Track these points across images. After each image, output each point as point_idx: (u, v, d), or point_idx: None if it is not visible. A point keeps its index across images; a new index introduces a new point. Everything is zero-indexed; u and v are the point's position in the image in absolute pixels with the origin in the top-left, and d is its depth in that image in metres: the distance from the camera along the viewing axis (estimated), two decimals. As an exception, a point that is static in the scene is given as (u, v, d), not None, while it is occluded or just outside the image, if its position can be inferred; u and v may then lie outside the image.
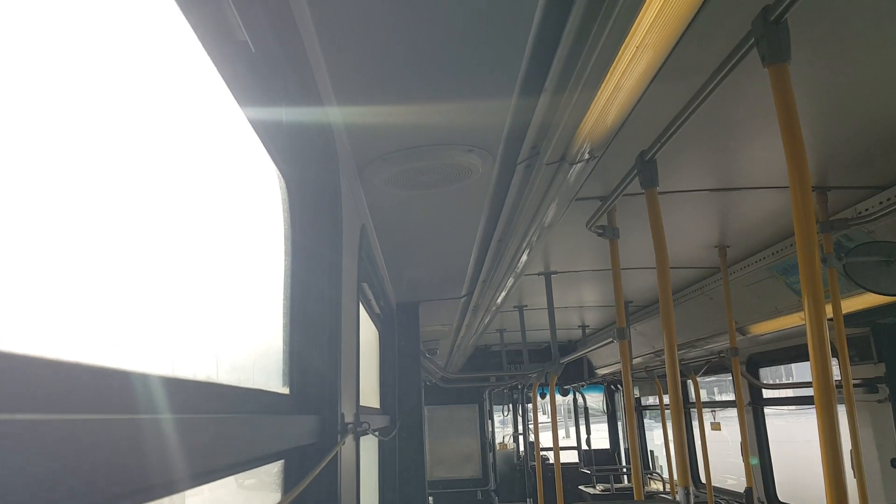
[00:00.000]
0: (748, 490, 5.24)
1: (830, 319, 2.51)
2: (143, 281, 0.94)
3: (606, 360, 10.07)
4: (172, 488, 0.83)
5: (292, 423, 1.40)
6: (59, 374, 0.59)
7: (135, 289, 0.91)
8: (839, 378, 3.30)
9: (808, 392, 6.35)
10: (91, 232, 0.79)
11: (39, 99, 0.69)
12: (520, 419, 12.66)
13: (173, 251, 1.06)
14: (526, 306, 6.82)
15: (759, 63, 1.85)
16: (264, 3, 1.14)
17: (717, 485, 7.05)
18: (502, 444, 12.77)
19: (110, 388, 0.66)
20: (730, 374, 6.71)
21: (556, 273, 5.41)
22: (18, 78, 0.65)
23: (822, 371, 1.80)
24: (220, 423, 0.92)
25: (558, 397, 11.12)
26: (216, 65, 1.11)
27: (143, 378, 0.76)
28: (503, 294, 4.64)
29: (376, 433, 2.72)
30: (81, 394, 0.61)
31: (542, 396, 11.06)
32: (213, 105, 1.21)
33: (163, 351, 1.01)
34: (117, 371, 0.70)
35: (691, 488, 2.96)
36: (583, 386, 11.83)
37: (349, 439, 1.80)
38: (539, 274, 5.39)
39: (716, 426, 7.92)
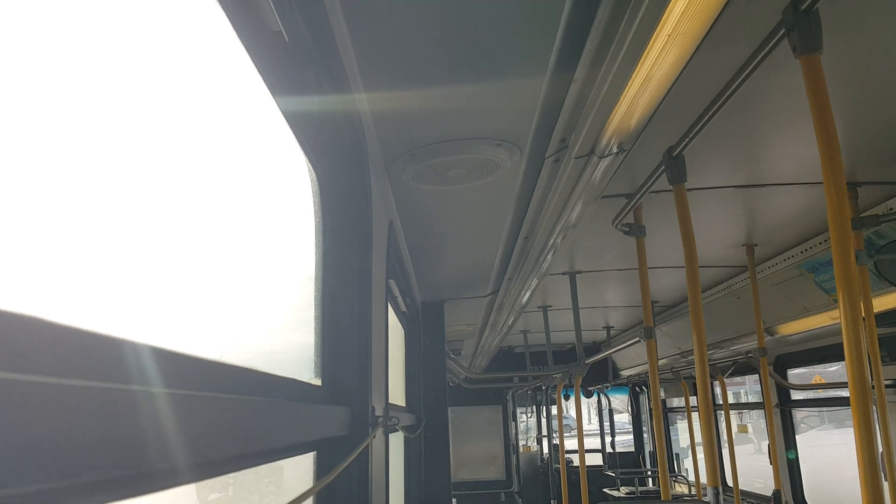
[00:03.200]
0: (776, 492, 5.17)
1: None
2: (177, 270, 0.95)
3: (631, 361, 10.00)
4: (214, 470, 0.84)
5: (325, 414, 1.41)
6: (124, 351, 0.60)
7: (172, 278, 0.92)
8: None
9: (838, 393, 6.26)
10: (142, 229, 0.81)
11: (82, 88, 0.70)
12: (543, 421, 12.61)
13: (211, 245, 1.07)
14: (550, 306, 6.79)
15: (789, 54, 1.82)
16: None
17: (744, 487, 6.96)
18: (526, 446, 12.72)
19: (160, 364, 0.67)
20: (756, 374, 6.64)
21: (580, 272, 5.38)
22: (62, 68, 0.66)
23: (858, 372, 1.76)
24: (255, 405, 0.93)
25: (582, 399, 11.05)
26: (251, 56, 1.12)
27: (189, 359, 0.77)
28: (528, 294, 4.62)
29: (403, 430, 2.72)
30: (136, 367, 0.62)
31: (566, 398, 11.01)
32: (248, 98, 1.22)
33: (200, 335, 1.02)
34: (165, 350, 0.71)
35: (720, 489, 2.93)
36: (607, 387, 11.75)
37: (379, 433, 1.80)
38: (563, 273, 5.36)
39: (742, 428, 7.83)
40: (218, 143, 1.13)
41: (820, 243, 4.33)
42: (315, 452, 1.47)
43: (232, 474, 1.06)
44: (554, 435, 11.69)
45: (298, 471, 1.51)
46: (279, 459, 1.18)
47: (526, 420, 13.48)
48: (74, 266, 0.67)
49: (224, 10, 1.02)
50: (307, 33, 1.24)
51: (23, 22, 0.58)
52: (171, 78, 0.93)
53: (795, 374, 6.75)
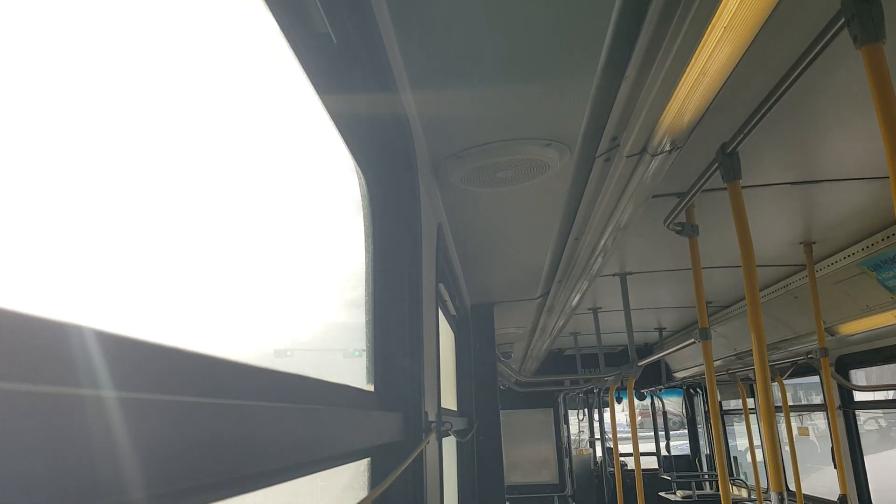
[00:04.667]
0: (842, 497, 5.00)
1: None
2: (235, 281, 0.95)
3: (685, 362, 9.81)
4: (270, 479, 0.83)
5: (379, 420, 1.40)
6: (176, 360, 0.60)
7: (230, 289, 0.92)
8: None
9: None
10: (202, 235, 0.81)
11: (136, 90, 0.70)
12: (596, 424, 12.46)
13: (267, 255, 1.07)
14: (600, 308, 6.70)
15: (848, 45, 1.76)
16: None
17: (807, 492, 6.76)
18: (579, 449, 12.60)
19: (217, 375, 0.67)
20: (817, 376, 6.44)
21: (631, 274, 5.30)
22: (118, 72, 0.66)
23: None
24: (311, 413, 0.92)
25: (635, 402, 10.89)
26: (299, 59, 1.11)
27: (245, 368, 0.77)
28: (578, 296, 4.57)
29: (456, 434, 2.71)
30: (199, 379, 0.62)
31: (619, 401, 10.86)
32: (297, 101, 1.22)
33: (251, 343, 1.02)
34: (222, 360, 0.70)
35: (784, 494, 2.85)
36: (661, 390, 11.56)
37: (432, 438, 1.79)
38: (614, 275, 5.29)
39: (803, 431, 7.61)
40: (268, 148, 1.13)
41: (882, 240, 4.17)
42: (369, 459, 1.46)
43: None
44: (607, 438, 11.55)
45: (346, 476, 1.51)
46: (334, 466, 1.18)
47: (578, 423, 13.34)
48: (141, 280, 0.67)
49: (272, 13, 1.03)
50: (355, 35, 1.23)
51: (76, 24, 0.59)
52: (220, 81, 0.93)
53: (859, 374, 6.53)
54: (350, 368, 1.54)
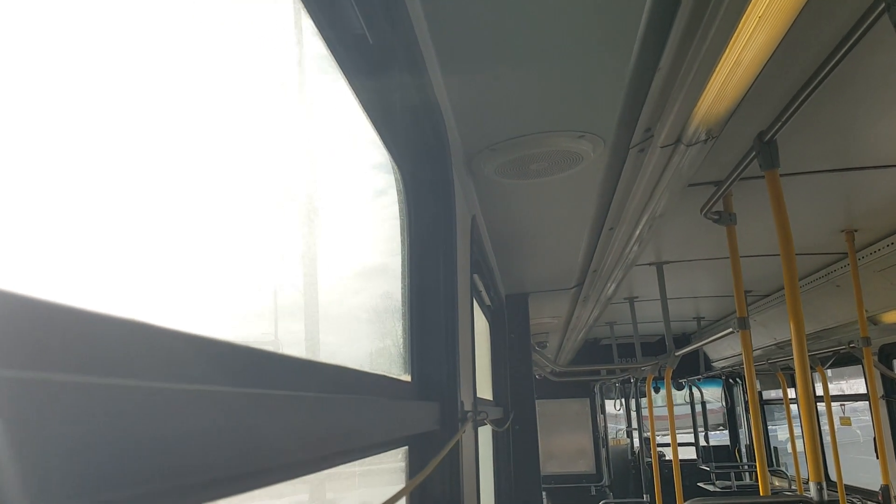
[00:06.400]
0: (884, 487, 4.92)
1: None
2: (275, 274, 0.98)
3: (723, 352, 9.70)
4: (310, 467, 0.86)
5: (416, 410, 1.43)
6: (214, 350, 0.62)
7: (271, 281, 0.95)
8: None
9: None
10: (241, 233, 0.84)
11: (175, 91, 0.73)
12: (633, 414, 12.39)
13: (308, 249, 1.10)
14: (637, 297, 6.65)
15: (889, 30, 1.73)
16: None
17: (848, 482, 6.65)
18: (616, 439, 12.53)
19: (254, 365, 0.70)
20: (859, 365, 6.32)
21: (668, 263, 5.25)
22: (163, 77, 0.69)
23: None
24: (351, 403, 0.95)
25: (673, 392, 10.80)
26: (338, 61, 1.14)
27: (284, 359, 0.80)
28: (613, 286, 4.55)
29: (492, 423, 2.73)
30: (227, 368, 0.64)
31: (657, 391, 10.78)
32: (335, 101, 1.25)
33: (294, 336, 1.05)
34: (260, 351, 0.73)
35: (824, 484, 2.82)
36: (699, 379, 11.45)
37: (469, 427, 1.81)
38: (650, 264, 5.25)
39: (845, 421, 7.49)
40: (308, 145, 1.16)
41: (928, 227, 4.09)
42: (406, 448, 1.49)
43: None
44: (645, 428, 11.48)
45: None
46: (373, 454, 1.21)
47: (616, 413, 13.27)
48: (175, 269, 0.71)
49: (311, 17, 1.05)
50: (390, 35, 1.25)
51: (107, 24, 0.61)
52: (258, 79, 0.96)
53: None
54: (387, 357, 1.57)
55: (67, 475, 0.36)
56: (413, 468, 1.49)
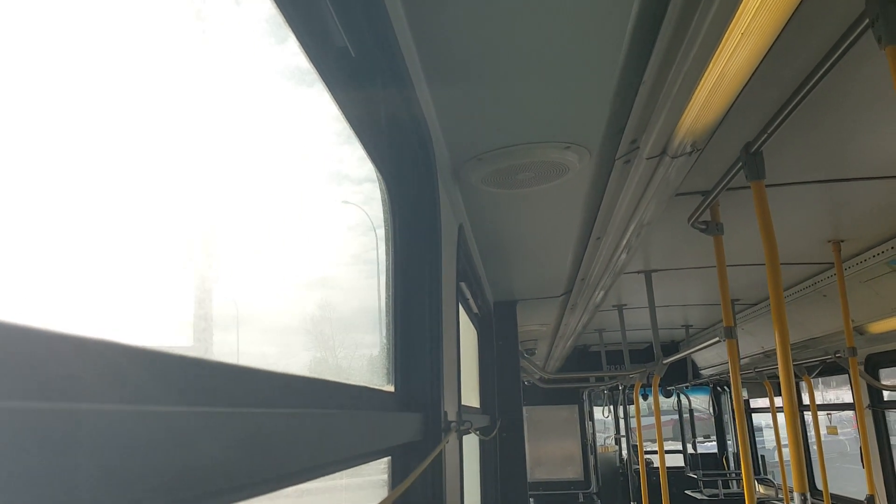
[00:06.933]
0: (870, 497, 4.94)
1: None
2: (253, 285, 0.98)
3: (712, 360, 9.73)
4: (284, 482, 0.86)
5: (398, 421, 1.43)
6: (198, 371, 0.62)
7: (248, 293, 0.95)
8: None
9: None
10: (213, 236, 0.83)
11: (154, 100, 0.73)
12: (621, 421, 12.40)
13: (285, 253, 1.10)
14: (625, 305, 6.67)
15: (873, 44, 1.74)
16: (362, 6, 1.17)
17: (835, 491, 6.68)
18: (604, 446, 12.54)
19: (227, 383, 0.70)
20: (845, 375, 6.35)
21: (656, 271, 5.27)
22: (151, 84, 0.69)
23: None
24: (328, 417, 0.95)
25: (661, 399, 10.81)
26: (320, 74, 1.14)
27: (255, 373, 0.80)
28: (602, 293, 4.56)
29: (477, 432, 2.73)
30: (219, 388, 0.64)
31: (644, 398, 10.80)
32: (318, 112, 1.25)
33: (273, 350, 1.05)
34: (231, 366, 0.73)
35: (808, 495, 2.83)
36: (686, 387, 11.47)
37: (452, 437, 1.81)
38: (639, 272, 5.27)
39: (832, 430, 7.52)
40: (290, 157, 1.16)
41: (913, 238, 4.12)
42: (389, 458, 1.49)
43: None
44: (633, 435, 11.49)
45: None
46: (353, 466, 1.20)
47: (603, 420, 13.28)
48: (159, 290, 0.70)
49: (293, 30, 1.05)
50: (373, 47, 1.26)
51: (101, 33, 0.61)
52: (239, 92, 0.96)
53: (888, 374, 6.43)
54: (369, 368, 1.57)
55: None
56: (395, 479, 1.48)
